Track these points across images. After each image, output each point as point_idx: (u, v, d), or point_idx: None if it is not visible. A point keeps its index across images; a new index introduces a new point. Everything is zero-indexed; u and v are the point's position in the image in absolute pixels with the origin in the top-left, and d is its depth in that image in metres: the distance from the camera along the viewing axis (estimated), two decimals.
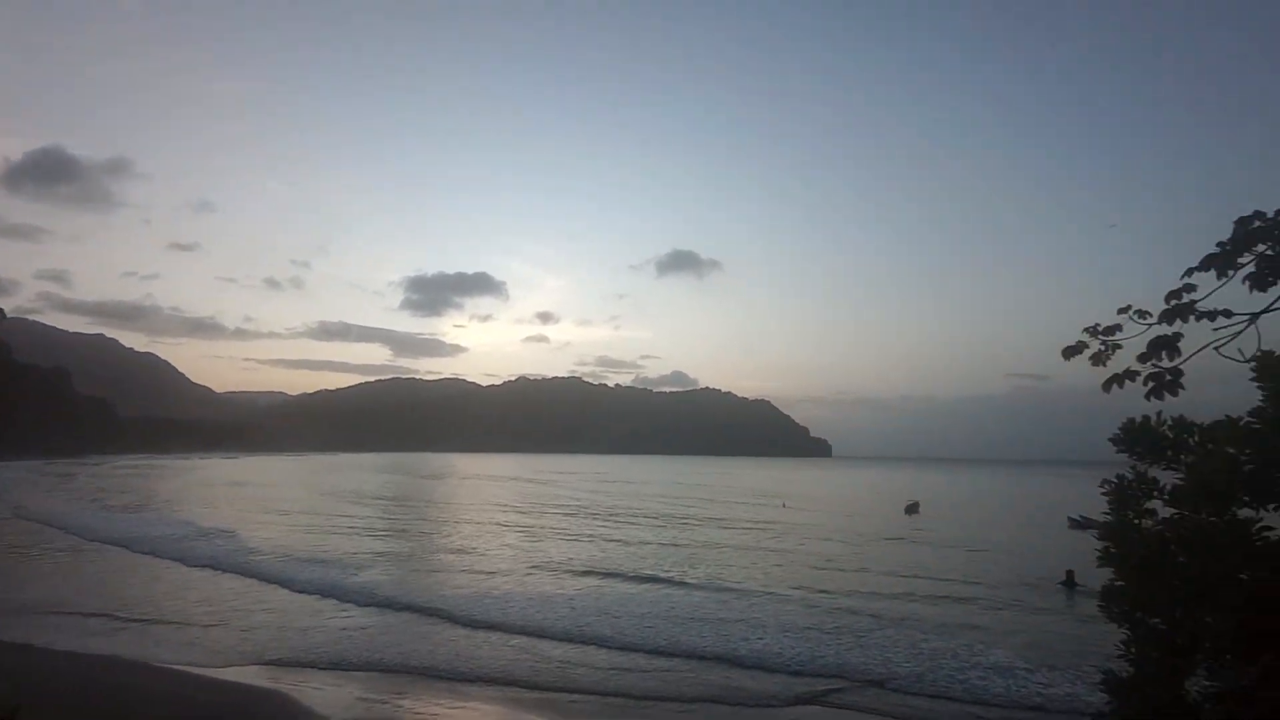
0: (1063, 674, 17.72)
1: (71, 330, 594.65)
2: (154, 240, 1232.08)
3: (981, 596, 27.71)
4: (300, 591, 26.17)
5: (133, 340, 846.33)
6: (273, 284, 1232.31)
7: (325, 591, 25.97)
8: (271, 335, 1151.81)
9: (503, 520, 53.34)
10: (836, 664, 18.34)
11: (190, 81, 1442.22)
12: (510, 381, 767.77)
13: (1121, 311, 6.58)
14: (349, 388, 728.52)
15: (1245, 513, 5.95)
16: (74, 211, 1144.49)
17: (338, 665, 17.65)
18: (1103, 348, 6.68)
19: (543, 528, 49.51)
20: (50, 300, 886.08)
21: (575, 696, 16.01)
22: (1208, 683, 5.96)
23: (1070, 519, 53.42)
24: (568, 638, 20.52)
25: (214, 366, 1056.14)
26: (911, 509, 66.46)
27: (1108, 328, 6.73)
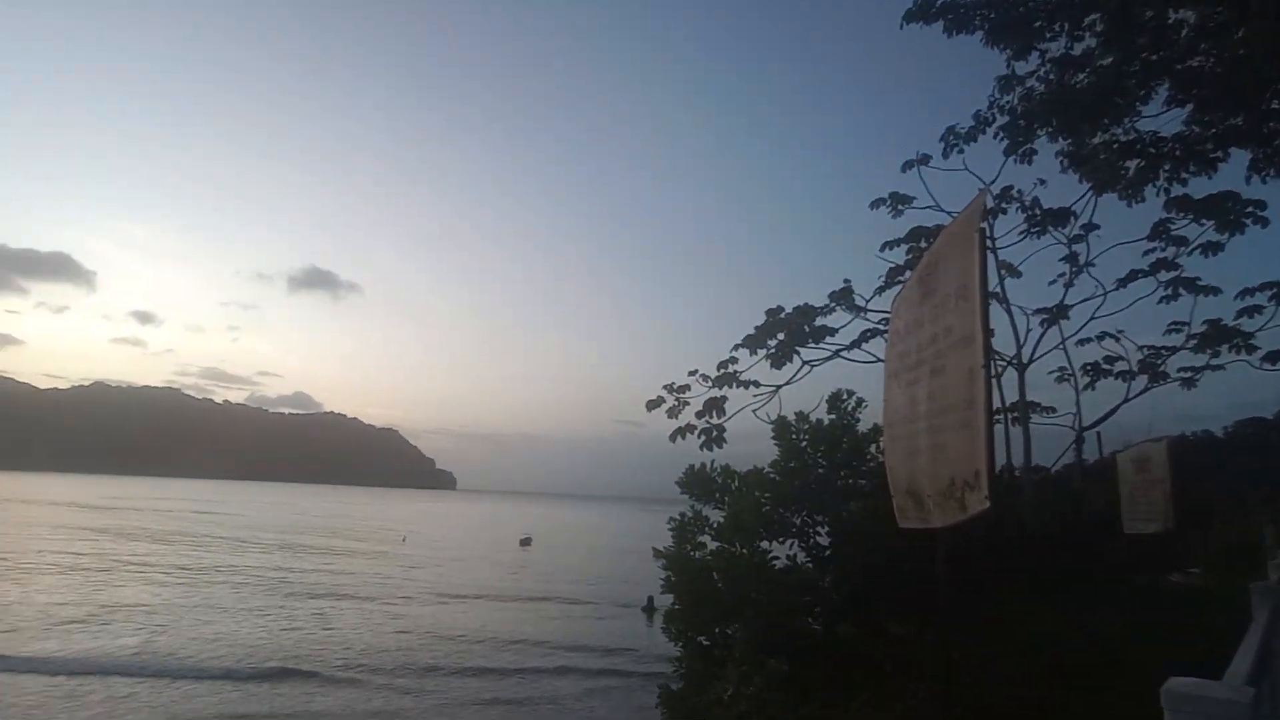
0: (629, 694, 19.63)
1: None
2: None
3: (572, 632, 28.83)
4: None
5: None
6: None
7: None
8: None
9: None
10: None
11: None
12: (83, 386, 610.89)
13: (691, 374, 7.78)
14: None
15: (764, 545, 7.34)
16: None
17: None
18: (676, 403, 7.79)
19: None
20: None
21: None
22: (731, 686, 7.08)
23: (654, 550, 60.74)
24: None
25: None
26: (525, 542, 69.78)
27: (680, 386, 7.88)
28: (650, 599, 32.78)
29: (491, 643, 25.91)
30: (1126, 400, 10.36)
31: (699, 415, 6.62)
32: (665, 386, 7.03)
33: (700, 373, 6.82)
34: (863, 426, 7.22)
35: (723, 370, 6.58)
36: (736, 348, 6.62)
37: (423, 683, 20.73)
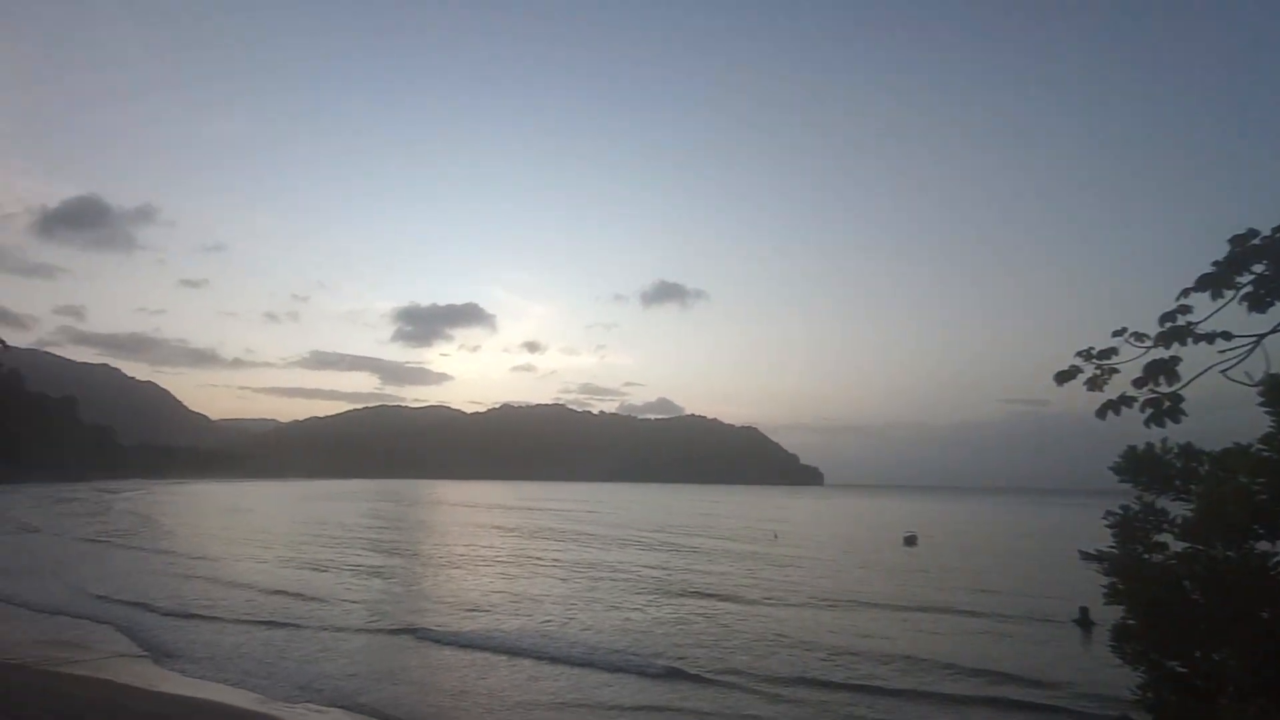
0: None
1: (79, 361, 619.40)
2: (166, 278, 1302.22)
3: (982, 650, 26.55)
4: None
5: (135, 370, 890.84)
6: (271, 317, 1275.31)
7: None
8: (267, 365, 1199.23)
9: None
10: None
11: (199, 124, 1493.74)
12: (494, 409, 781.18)
13: (1117, 334, 6.39)
14: (337, 415, 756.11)
15: (1261, 546, 5.83)
16: (97, 253, 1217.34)
17: None
18: (1098, 372, 6.50)
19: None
20: (66, 333, 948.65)
21: None
22: None
23: (1081, 552, 53.27)
24: None
25: (210, 395, 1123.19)
26: (910, 541, 65.85)
27: (1103, 351, 6.52)
28: (1083, 611, 28.77)
29: (883, 657, 24.68)
30: None
31: (1136, 384, 5.47)
32: (1079, 353, 5.90)
33: (1131, 331, 5.60)
34: None
35: (1168, 324, 5.30)
36: (1187, 292, 5.26)
37: (808, 694, 20.50)
